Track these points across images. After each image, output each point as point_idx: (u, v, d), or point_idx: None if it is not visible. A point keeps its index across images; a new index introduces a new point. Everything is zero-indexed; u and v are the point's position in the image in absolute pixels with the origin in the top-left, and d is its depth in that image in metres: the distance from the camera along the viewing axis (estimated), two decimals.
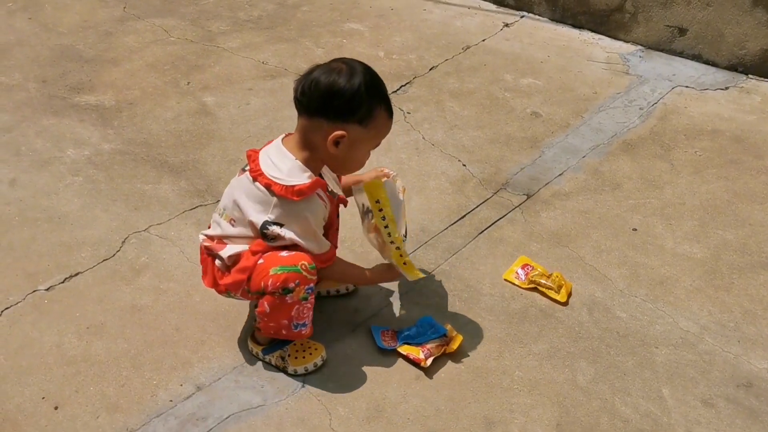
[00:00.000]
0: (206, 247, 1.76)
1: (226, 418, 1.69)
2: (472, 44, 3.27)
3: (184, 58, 3.14)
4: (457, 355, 1.85)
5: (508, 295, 2.04)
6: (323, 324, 1.93)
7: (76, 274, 2.06)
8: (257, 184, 1.64)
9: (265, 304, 1.69)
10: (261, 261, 1.67)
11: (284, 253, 1.66)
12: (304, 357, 1.80)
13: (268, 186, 1.63)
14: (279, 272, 1.64)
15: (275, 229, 1.64)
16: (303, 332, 1.75)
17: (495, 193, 2.41)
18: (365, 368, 1.82)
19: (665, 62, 3.13)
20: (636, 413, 1.73)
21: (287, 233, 1.64)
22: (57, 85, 2.93)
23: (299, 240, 1.66)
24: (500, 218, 2.30)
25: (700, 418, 1.72)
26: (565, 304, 1.98)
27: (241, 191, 1.68)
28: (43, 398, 1.72)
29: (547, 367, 1.83)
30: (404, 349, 1.82)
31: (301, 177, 1.63)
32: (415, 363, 1.81)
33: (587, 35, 3.34)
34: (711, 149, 2.61)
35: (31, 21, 3.38)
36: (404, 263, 1.78)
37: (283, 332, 1.74)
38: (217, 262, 1.75)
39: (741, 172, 2.49)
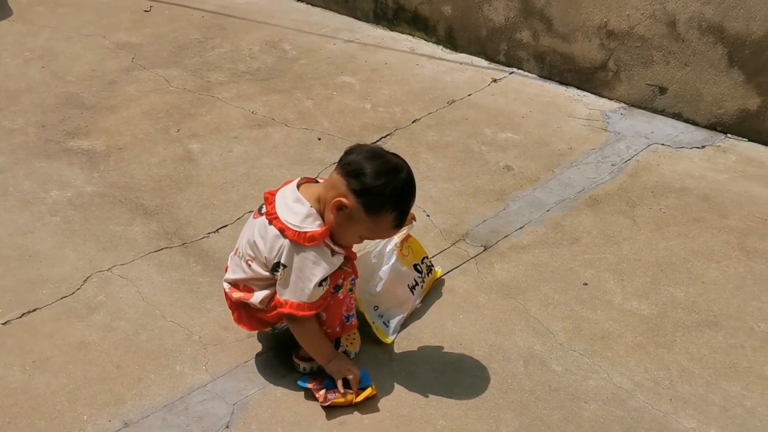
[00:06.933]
0: (237, 298, 1.88)
1: None
2: (457, 98, 3.35)
3: (179, 106, 3.29)
4: (386, 402, 1.87)
5: (448, 345, 2.06)
6: (259, 365, 1.98)
7: (34, 310, 2.16)
8: (272, 227, 1.77)
9: (321, 313, 1.86)
10: None
11: None
12: (353, 342, 2.01)
13: (282, 230, 1.76)
14: None
15: (281, 271, 1.77)
16: (353, 322, 1.97)
17: (453, 243, 2.45)
18: (290, 411, 1.86)
19: (646, 120, 3.15)
20: None
21: (286, 275, 1.77)
22: (55, 130, 3.10)
23: (291, 281, 1.77)
24: (454, 268, 2.33)
25: None
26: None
27: (257, 232, 1.81)
28: None
29: (472, 418, 1.84)
30: (310, 384, 1.87)
31: (313, 225, 1.76)
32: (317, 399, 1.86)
33: (573, 92, 3.39)
34: (676, 207, 2.61)
35: (44, 69, 3.59)
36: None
37: (338, 329, 1.93)
38: (252, 305, 1.88)
39: (702, 230, 2.48)
